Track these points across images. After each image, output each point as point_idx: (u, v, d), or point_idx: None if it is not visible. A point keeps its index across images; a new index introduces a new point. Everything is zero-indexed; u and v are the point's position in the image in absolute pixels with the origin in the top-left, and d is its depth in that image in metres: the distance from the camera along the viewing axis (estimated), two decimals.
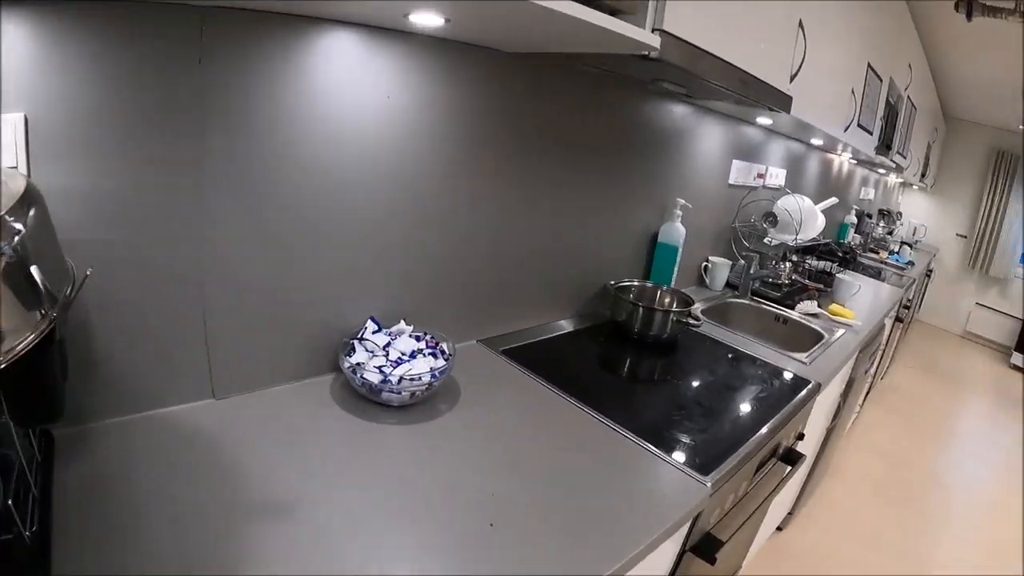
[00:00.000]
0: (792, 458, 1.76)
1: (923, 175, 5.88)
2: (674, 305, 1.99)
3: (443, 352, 1.35)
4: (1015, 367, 7.05)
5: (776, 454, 1.65)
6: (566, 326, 1.87)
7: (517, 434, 1.22)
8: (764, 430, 1.41)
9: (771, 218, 2.56)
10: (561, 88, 1.57)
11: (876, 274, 3.91)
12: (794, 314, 2.38)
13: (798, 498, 2.73)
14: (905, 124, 3.98)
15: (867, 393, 3.98)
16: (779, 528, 2.81)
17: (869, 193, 5.23)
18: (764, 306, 2.43)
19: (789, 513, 2.77)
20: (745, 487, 1.44)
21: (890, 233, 5.15)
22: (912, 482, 3.70)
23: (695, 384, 1.66)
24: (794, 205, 2.58)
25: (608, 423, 1.30)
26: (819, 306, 2.44)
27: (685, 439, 1.31)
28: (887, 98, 3.28)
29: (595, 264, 1.95)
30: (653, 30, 1.09)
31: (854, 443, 3.90)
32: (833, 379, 2.01)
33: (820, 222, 2.66)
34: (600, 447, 1.22)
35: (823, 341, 2.15)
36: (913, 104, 4.14)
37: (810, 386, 1.74)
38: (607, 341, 1.85)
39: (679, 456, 1.22)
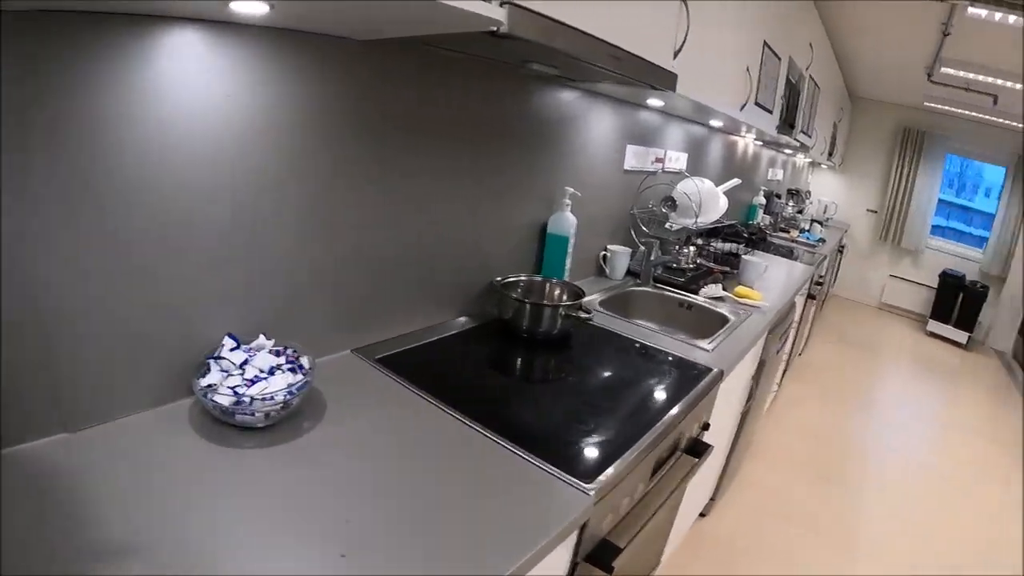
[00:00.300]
0: (698, 450, 1.69)
1: (830, 153, 5.99)
2: (564, 298, 1.89)
3: (302, 367, 1.22)
4: (931, 334, 7.31)
5: (678, 447, 1.58)
6: (452, 327, 1.75)
7: (383, 452, 1.11)
8: (657, 428, 1.32)
9: (670, 202, 2.50)
10: (426, 77, 1.45)
11: (788, 253, 3.94)
12: (699, 299, 2.32)
13: (719, 483, 2.69)
14: (808, 103, 4.02)
15: (784, 371, 4.00)
16: (702, 515, 2.77)
17: (777, 174, 5.29)
18: (668, 293, 2.36)
19: (711, 499, 2.73)
20: (643, 488, 1.36)
21: (800, 212, 5.22)
22: (835, 456, 3.73)
23: (586, 382, 1.57)
24: (694, 188, 2.53)
25: (485, 433, 1.19)
26: (724, 289, 2.40)
27: (570, 444, 1.21)
28: (788, 77, 3.27)
29: (480, 260, 1.84)
30: (502, 3, 0.98)
31: (775, 422, 3.92)
32: (740, 363, 1.96)
33: (722, 204, 2.61)
34: (475, 461, 1.11)
35: (728, 325, 2.10)
36: (816, 83, 4.18)
37: (712, 374, 1.68)
38: (494, 341, 1.74)
39: (560, 464, 1.11)
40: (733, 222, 3.13)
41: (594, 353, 1.75)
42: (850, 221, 7.91)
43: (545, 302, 1.87)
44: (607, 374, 1.62)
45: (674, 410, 1.42)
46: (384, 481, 1.02)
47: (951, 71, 4.54)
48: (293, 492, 0.96)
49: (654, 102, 2.22)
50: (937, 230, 8.57)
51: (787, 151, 5.00)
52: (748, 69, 2.39)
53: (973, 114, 6.62)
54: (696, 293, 2.37)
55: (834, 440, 3.95)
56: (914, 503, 3.46)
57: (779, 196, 5.08)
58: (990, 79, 4.45)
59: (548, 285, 1.92)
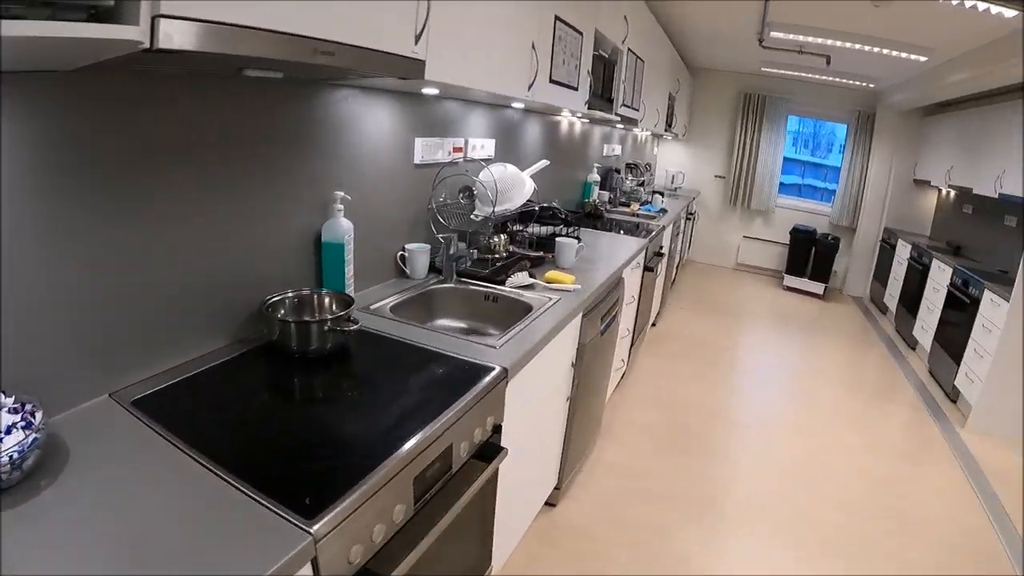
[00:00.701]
0: (490, 454, 1.61)
1: (669, 125, 6.11)
2: (334, 310, 1.76)
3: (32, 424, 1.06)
4: (788, 288, 7.65)
5: (452, 457, 1.47)
6: (222, 355, 1.58)
7: (112, 510, 1.01)
8: (408, 445, 1.22)
9: (468, 192, 2.40)
10: (157, 98, 1.31)
11: (626, 228, 3.95)
12: (505, 290, 2.24)
13: (562, 471, 2.63)
14: (631, 76, 4.02)
15: (633, 345, 4.00)
16: (551, 504, 2.72)
17: (615, 149, 5.33)
18: (473, 286, 2.27)
19: (556, 488, 2.67)
20: (405, 508, 1.24)
21: (641, 184, 5.28)
22: (696, 425, 3.73)
23: (346, 402, 1.45)
24: (494, 175, 2.45)
25: (223, 476, 1.09)
26: (532, 276, 2.33)
27: (300, 478, 1.11)
28: (599, 52, 3.24)
29: (256, 280, 1.67)
30: (155, 18, 0.85)
31: (628, 399, 3.90)
32: (539, 354, 1.89)
33: (528, 187, 2.54)
34: (210, 511, 1.02)
35: (530, 315, 2.02)
36: (639, 56, 4.19)
37: (494, 374, 1.59)
38: (265, 366, 1.58)
39: (286, 502, 1.03)
40: (551, 204, 3.06)
41: (368, 367, 1.63)
42: (700, 188, 8.16)
43: (307, 318, 1.72)
44: (375, 390, 1.49)
45: (438, 421, 1.32)
46: (108, 539, 0.95)
47: (780, 35, 4.67)
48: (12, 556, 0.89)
49: (429, 91, 2.11)
50: (793, 189, 9.02)
51: (620, 126, 5.03)
52: (534, 46, 2.32)
53: (809, 76, 6.95)
54: (503, 284, 2.28)
55: (694, 408, 3.96)
56: (779, 461, 3.51)
57: (618, 171, 5.12)
58: (820, 40, 4.63)
59: (318, 298, 1.78)
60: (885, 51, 4.76)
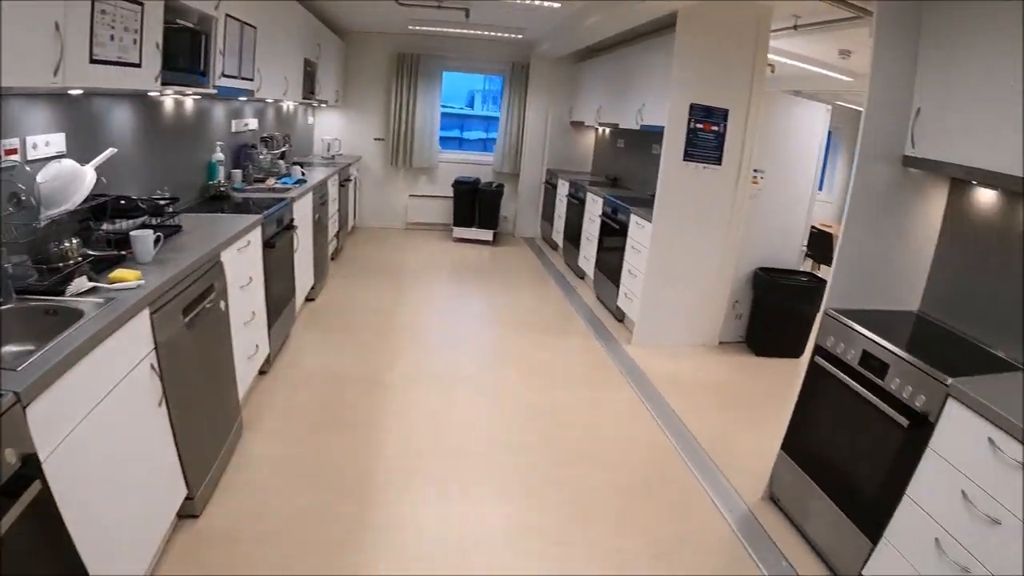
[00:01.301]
0: (16, 490, 1.43)
1: (312, 92, 5.96)
2: None
3: None
4: (458, 239, 8.00)
5: None
6: None
7: None
8: None
9: (15, 199, 2.10)
10: None
11: (264, 205, 3.78)
12: (66, 300, 2.01)
13: (189, 479, 2.45)
14: (236, 46, 3.81)
15: (272, 327, 3.80)
16: (193, 516, 2.53)
17: (248, 124, 5.07)
18: (34, 303, 2.00)
19: (188, 498, 2.47)
20: None
21: (282, 158, 5.11)
22: (354, 398, 3.66)
23: None
24: (44, 175, 2.18)
25: None
26: (93, 279, 2.12)
27: None
28: (177, 22, 2.99)
29: None
30: None
31: (280, 383, 3.75)
32: (78, 366, 1.72)
33: (88, 181, 2.29)
34: None
35: (74, 326, 1.82)
36: (246, 23, 3.98)
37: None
38: None
39: None
40: (128, 196, 2.79)
41: None
42: (361, 152, 8.16)
43: None
44: None
45: None
46: None
47: None
48: None
49: None
50: (457, 143, 9.43)
51: (242, 99, 4.77)
52: (58, 25, 2.05)
53: (458, 31, 7.19)
54: (64, 293, 2.04)
55: (354, 380, 3.90)
56: (450, 415, 3.58)
57: (254, 146, 4.89)
58: None
59: None
60: (518, 0, 5.04)
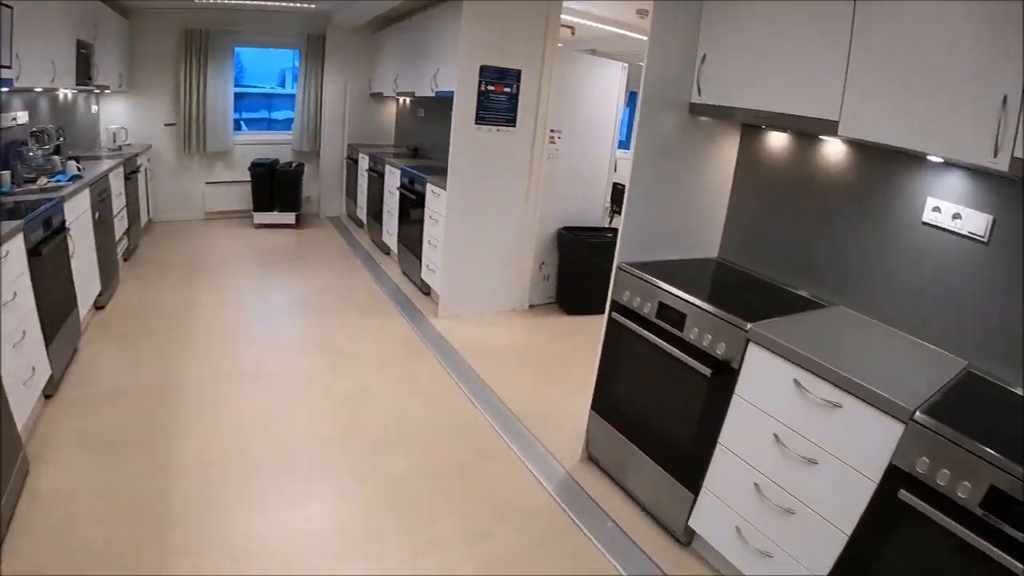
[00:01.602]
0: None
1: (90, 77, 5.44)
2: None
3: None
4: (260, 225, 7.72)
5: None
6: None
7: None
8: None
9: None
10: None
11: (30, 208, 3.39)
12: None
13: None
14: None
15: (50, 344, 3.37)
16: None
17: (16, 117, 4.54)
18: None
19: None
20: None
21: (55, 153, 4.63)
22: (148, 410, 3.37)
23: None
24: None
25: None
26: None
27: None
28: None
29: None
30: None
31: (70, 405, 3.37)
32: None
33: None
34: None
35: None
36: (2, 3, 3.56)
37: None
38: None
39: None
40: None
41: None
42: (152, 140, 7.58)
43: None
44: None
45: None
46: None
47: None
48: None
49: None
50: (266, 123, 9.03)
51: (9, 91, 4.27)
52: None
53: (251, 3, 6.95)
54: None
55: (149, 390, 3.61)
56: (255, 415, 3.42)
57: (24, 143, 4.41)
58: None
59: None
60: None
